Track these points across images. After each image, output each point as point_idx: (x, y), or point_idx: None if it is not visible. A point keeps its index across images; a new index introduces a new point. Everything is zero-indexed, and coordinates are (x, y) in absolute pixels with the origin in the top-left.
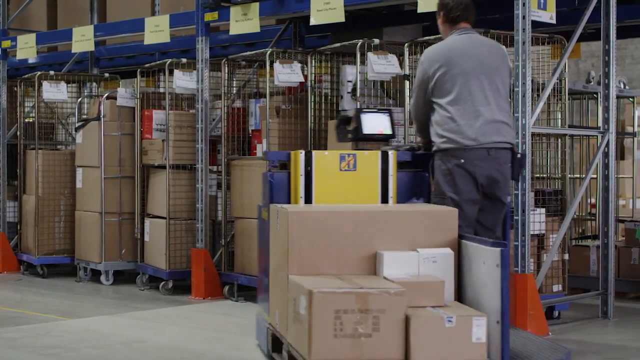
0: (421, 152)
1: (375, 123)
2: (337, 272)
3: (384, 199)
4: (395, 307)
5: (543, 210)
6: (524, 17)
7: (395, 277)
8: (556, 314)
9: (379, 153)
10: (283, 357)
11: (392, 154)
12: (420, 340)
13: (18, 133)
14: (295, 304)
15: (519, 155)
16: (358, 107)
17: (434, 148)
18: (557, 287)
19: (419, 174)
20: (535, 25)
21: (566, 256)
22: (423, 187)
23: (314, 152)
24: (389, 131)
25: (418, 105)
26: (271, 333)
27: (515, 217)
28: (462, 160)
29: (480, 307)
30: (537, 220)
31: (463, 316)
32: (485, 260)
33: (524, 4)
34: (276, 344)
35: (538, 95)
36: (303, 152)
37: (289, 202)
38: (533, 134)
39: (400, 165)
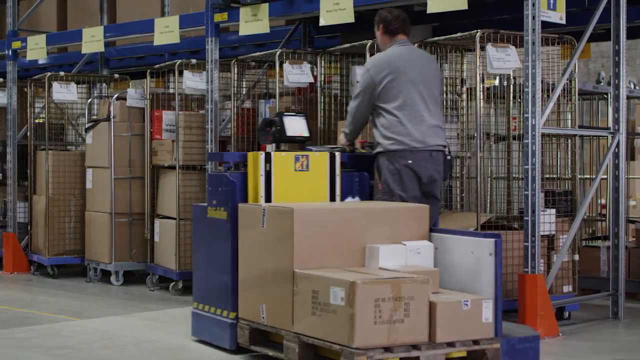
0: (356, 153)
1: (295, 126)
2: (336, 265)
3: (332, 197)
4: (422, 294)
5: (553, 210)
6: (533, 18)
7: (390, 268)
8: (566, 314)
9: (327, 154)
10: (288, 348)
11: (338, 156)
12: (443, 322)
13: (28, 134)
14: (320, 296)
15: (449, 158)
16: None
17: (379, 149)
18: (567, 288)
19: (354, 173)
20: (545, 25)
21: (576, 257)
22: (362, 186)
23: (272, 154)
24: (306, 133)
25: (361, 109)
26: (246, 327)
27: (525, 218)
28: (410, 161)
29: (471, 292)
30: (547, 220)
31: (476, 300)
32: (474, 250)
33: (533, 5)
34: (257, 336)
35: (548, 96)
36: (263, 153)
37: (246, 201)
38: (543, 135)
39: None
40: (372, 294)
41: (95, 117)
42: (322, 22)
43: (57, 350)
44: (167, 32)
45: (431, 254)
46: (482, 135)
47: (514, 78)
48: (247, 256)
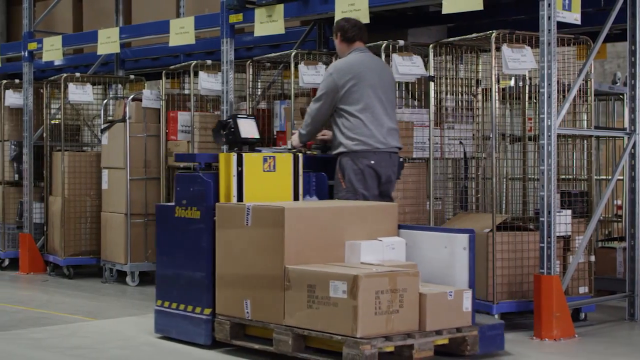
0: (308, 154)
1: (248, 128)
2: (320, 261)
3: (296, 196)
4: (414, 286)
5: (569, 211)
6: (549, 18)
7: (370, 262)
8: (582, 315)
9: (291, 156)
10: (280, 341)
11: (300, 157)
12: (431, 312)
13: (44, 135)
14: (318, 290)
15: (401, 160)
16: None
17: (342, 149)
18: (583, 289)
19: (312, 173)
20: (561, 26)
21: (592, 258)
22: (319, 185)
23: (243, 155)
24: (257, 135)
25: (322, 111)
26: (226, 323)
27: (541, 219)
28: (373, 162)
29: (443, 284)
30: (563, 221)
31: (458, 291)
32: (447, 244)
33: (549, 5)
34: (237, 331)
35: (564, 97)
36: (236, 154)
37: (217, 200)
38: (559, 135)
39: None
40: (373, 286)
41: (110, 118)
42: None
43: (73, 350)
44: (182, 33)
45: (404, 249)
46: (497, 136)
47: (530, 79)
48: (227, 254)
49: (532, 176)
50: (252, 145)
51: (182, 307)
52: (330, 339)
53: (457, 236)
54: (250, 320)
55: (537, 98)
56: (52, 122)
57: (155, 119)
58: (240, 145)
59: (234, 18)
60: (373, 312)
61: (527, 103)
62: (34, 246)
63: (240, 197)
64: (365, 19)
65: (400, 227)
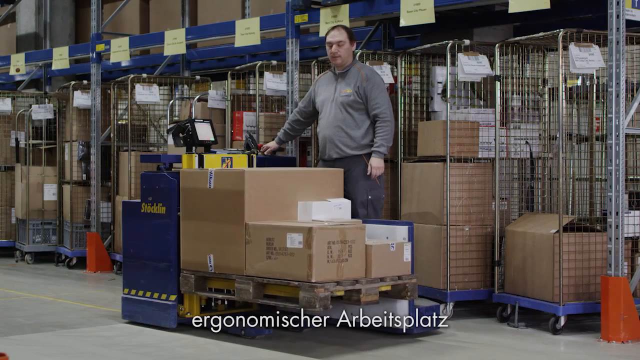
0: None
1: (204, 131)
2: (276, 218)
3: None
4: (361, 238)
5: (637, 212)
6: (617, 16)
7: (322, 220)
8: None
9: (246, 157)
10: (241, 290)
11: (254, 158)
12: (376, 261)
13: (111, 135)
14: (276, 242)
15: None
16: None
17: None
18: None
19: None
20: (629, 24)
21: None
22: None
23: (204, 155)
24: (212, 138)
25: None
26: (191, 277)
27: (608, 220)
28: None
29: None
30: (631, 222)
31: (399, 243)
32: (389, 235)
33: (617, 3)
34: (201, 284)
35: (632, 96)
36: (197, 155)
37: None
38: (627, 135)
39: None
40: (326, 237)
41: (177, 118)
42: (403, 22)
43: (139, 348)
44: (247, 33)
45: (349, 209)
46: (564, 135)
47: (597, 78)
48: (191, 214)
49: (600, 177)
50: (207, 147)
51: (148, 294)
52: (287, 285)
53: (397, 228)
54: (214, 273)
55: (604, 97)
56: (119, 122)
57: (221, 119)
58: (197, 147)
59: (299, 18)
60: (326, 260)
61: (594, 102)
62: (101, 245)
63: None
64: (430, 18)
65: None
